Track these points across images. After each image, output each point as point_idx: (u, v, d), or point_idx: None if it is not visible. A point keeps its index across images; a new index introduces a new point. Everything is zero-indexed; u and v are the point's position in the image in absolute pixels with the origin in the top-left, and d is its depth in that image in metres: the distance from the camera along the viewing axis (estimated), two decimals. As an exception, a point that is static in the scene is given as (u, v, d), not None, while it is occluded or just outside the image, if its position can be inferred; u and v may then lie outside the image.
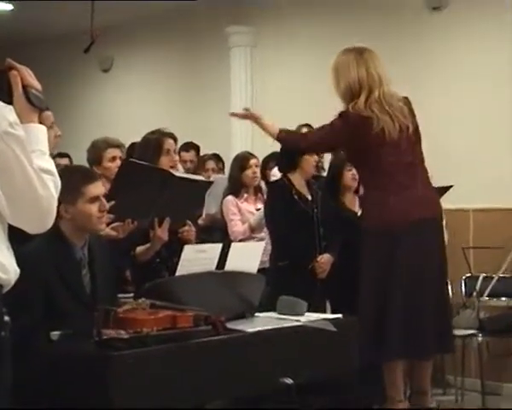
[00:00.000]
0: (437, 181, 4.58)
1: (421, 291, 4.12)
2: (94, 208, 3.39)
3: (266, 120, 4.44)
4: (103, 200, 3.45)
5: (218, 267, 3.62)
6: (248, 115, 4.56)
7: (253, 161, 5.80)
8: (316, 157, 5.29)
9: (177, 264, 4.03)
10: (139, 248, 4.20)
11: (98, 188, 3.45)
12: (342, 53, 4.25)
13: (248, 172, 5.75)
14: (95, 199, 3.40)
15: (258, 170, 5.81)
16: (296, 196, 5.20)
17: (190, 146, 7.03)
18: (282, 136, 4.38)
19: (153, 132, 4.46)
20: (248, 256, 3.77)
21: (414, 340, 4.10)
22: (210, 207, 5.88)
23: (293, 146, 4.46)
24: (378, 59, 4.20)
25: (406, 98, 4.30)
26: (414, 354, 4.18)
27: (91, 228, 3.42)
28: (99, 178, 3.56)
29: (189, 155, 6.95)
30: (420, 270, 4.13)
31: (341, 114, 4.19)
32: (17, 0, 8.15)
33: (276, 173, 5.79)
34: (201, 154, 7.14)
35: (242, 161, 5.82)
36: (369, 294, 4.15)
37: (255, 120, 4.51)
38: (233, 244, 3.90)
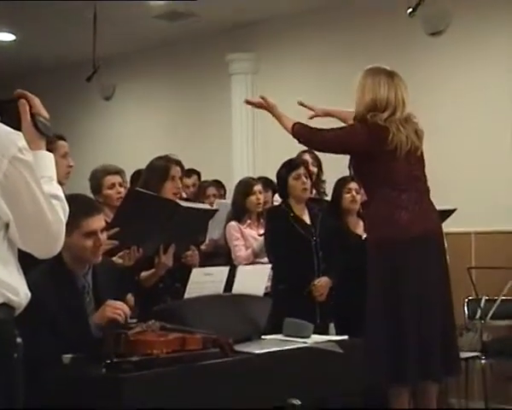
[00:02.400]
0: (439, 205, 4.61)
1: (429, 311, 4.13)
2: (89, 243, 3.35)
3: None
4: (100, 235, 3.39)
5: (225, 290, 3.66)
6: (263, 104, 4.51)
7: (256, 188, 5.82)
8: (304, 180, 5.30)
9: (179, 289, 4.08)
10: (143, 274, 4.23)
11: (96, 222, 3.39)
12: (371, 71, 4.27)
13: (252, 198, 5.77)
14: (91, 234, 3.36)
15: (261, 196, 5.84)
16: (293, 220, 5.24)
17: (192, 172, 7.10)
18: (296, 128, 4.30)
19: (160, 158, 4.50)
20: (255, 279, 3.81)
21: (424, 362, 4.09)
22: (213, 233, 5.91)
23: (306, 140, 4.36)
24: (404, 85, 4.26)
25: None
26: (425, 377, 4.18)
27: (85, 260, 3.40)
28: (100, 212, 3.50)
29: (191, 181, 7.01)
30: (425, 286, 4.14)
31: (360, 120, 4.22)
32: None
33: (278, 199, 5.84)
34: (202, 180, 7.20)
35: (246, 186, 5.84)
36: (376, 311, 4.15)
37: (270, 109, 4.47)
38: (240, 267, 3.93)
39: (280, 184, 5.42)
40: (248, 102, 4.75)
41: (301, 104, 4.57)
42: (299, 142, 4.36)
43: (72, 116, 9.34)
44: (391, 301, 4.07)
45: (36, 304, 2.49)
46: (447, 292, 4.24)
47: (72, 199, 3.13)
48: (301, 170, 5.31)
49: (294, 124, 4.30)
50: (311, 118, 4.56)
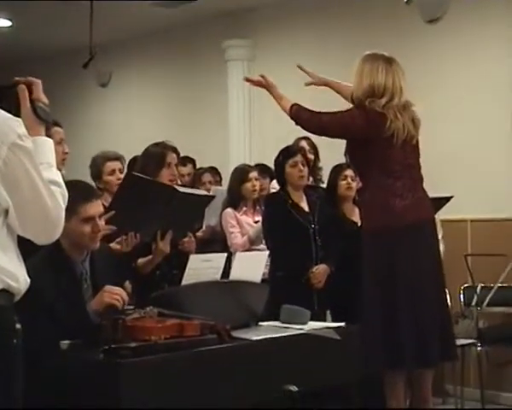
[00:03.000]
0: (435, 192, 4.63)
1: (424, 296, 4.14)
2: (87, 228, 3.35)
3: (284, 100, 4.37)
4: (98, 220, 3.40)
5: (222, 276, 3.67)
6: (263, 83, 4.50)
7: (252, 174, 5.82)
8: (301, 168, 5.30)
9: (176, 276, 4.09)
10: (140, 261, 4.24)
11: (94, 208, 3.40)
12: (370, 57, 4.27)
13: (248, 185, 5.77)
14: (89, 219, 3.36)
15: (257, 183, 5.84)
16: (292, 208, 5.24)
17: (187, 160, 7.10)
18: (294, 109, 4.29)
19: (156, 145, 4.50)
20: (252, 266, 3.81)
21: (420, 348, 4.11)
22: (210, 220, 5.92)
23: (303, 122, 4.34)
24: (402, 71, 4.26)
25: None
26: (422, 363, 4.19)
27: (83, 246, 3.40)
28: (98, 197, 3.51)
29: (187, 169, 7.02)
30: (420, 273, 4.15)
31: (358, 106, 4.22)
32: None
33: (275, 185, 5.84)
34: (198, 167, 7.20)
35: (242, 173, 5.84)
36: (373, 298, 4.16)
37: (269, 88, 4.45)
38: (237, 254, 3.96)
39: (277, 172, 5.42)
40: (248, 80, 4.71)
41: (300, 68, 4.57)
42: (296, 123, 4.35)
43: (69, 103, 9.32)
44: (386, 289, 4.08)
45: (34, 290, 2.49)
46: (440, 279, 4.27)
47: (70, 185, 3.12)
48: (298, 157, 5.31)
49: (292, 105, 4.30)
50: (307, 84, 4.56)
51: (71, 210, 3.22)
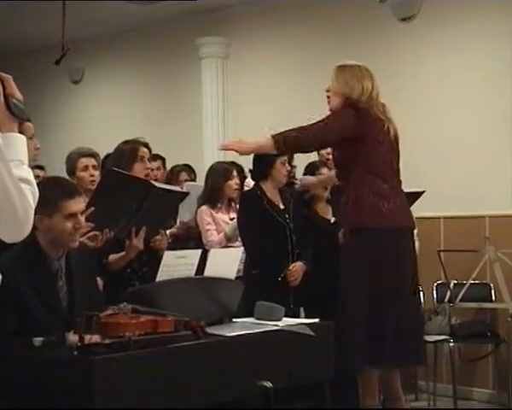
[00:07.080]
0: (407, 189, 4.66)
1: (397, 300, 4.19)
2: (68, 225, 3.33)
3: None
4: (80, 217, 3.39)
5: (197, 273, 3.66)
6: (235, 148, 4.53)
7: (234, 173, 5.78)
8: (288, 167, 5.31)
9: (146, 273, 4.08)
10: (112, 257, 4.22)
11: (77, 205, 3.38)
12: None
13: (231, 183, 5.72)
14: (71, 216, 3.34)
15: (238, 181, 5.82)
16: (268, 206, 5.23)
17: (156, 156, 7.18)
18: (279, 139, 4.19)
19: (127, 142, 4.53)
20: (227, 262, 3.80)
21: (374, 350, 4.17)
22: (183, 216, 5.90)
23: (296, 146, 4.33)
24: (352, 73, 4.32)
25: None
26: (374, 363, 4.25)
27: (63, 243, 3.38)
28: (81, 194, 3.48)
29: (156, 164, 7.10)
30: (397, 278, 4.20)
31: (346, 104, 4.25)
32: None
33: (249, 183, 5.82)
34: (173, 165, 7.22)
35: (225, 171, 5.75)
36: (351, 298, 4.20)
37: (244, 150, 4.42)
38: (212, 250, 3.95)
39: (261, 168, 5.29)
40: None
41: None
42: (290, 150, 4.35)
43: (41, 100, 9.26)
44: (367, 290, 4.13)
45: (7, 285, 2.47)
46: (413, 283, 4.33)
47: (53, 182, 3.09)
48: (287, 156, 5.28)
49: (274, 138, 4.20)
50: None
51: (53, 206, 3.27)
